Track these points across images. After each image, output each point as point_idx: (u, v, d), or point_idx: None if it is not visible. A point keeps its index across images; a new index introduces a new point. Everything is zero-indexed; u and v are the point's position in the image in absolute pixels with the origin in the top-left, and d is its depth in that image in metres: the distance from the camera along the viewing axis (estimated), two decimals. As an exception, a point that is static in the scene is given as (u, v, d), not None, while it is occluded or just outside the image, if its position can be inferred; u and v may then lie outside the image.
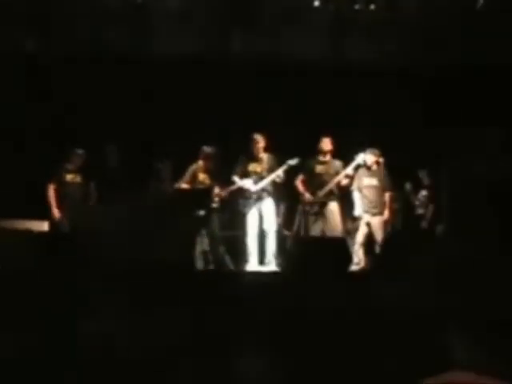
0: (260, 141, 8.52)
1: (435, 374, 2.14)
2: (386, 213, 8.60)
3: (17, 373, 2.61)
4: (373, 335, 2.68)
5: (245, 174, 8.55)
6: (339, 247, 7.30)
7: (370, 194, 8.62)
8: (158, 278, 5.29)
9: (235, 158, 8.70)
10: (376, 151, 8.63)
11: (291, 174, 8.62)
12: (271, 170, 8.48)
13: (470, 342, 2.48)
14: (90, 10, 8.69)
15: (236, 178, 8.55)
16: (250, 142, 8.52)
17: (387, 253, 7.00)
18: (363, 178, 8.67)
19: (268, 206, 8.54)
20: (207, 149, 8.47)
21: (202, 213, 8.19)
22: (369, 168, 8.65)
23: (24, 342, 3.16)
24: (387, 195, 8.64)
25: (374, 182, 8.65)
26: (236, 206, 8.64)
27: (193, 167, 8.54)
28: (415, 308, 2.88)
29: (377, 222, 8.56)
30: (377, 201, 8.62)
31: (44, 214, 8.23)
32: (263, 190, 8.51)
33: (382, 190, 8.65)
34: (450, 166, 9.07)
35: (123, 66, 9.25)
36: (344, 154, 8.76)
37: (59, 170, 8.57)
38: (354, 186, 8.69)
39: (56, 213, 8.42)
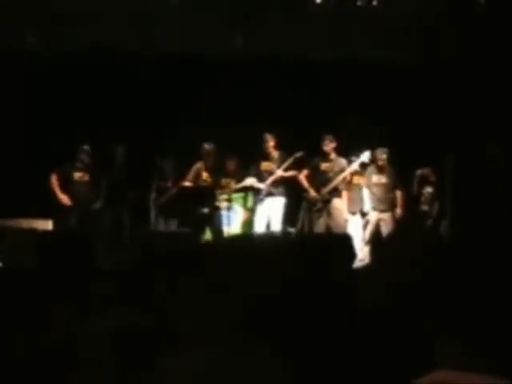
0: (270, 139, 8.64)
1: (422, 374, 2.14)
2: (399, 211, 8.70)
3: (22, 373, 2.62)
4: (368, 334, 2.68)
5: (259, 174, 8.64)
6: (344, 244, 7.30)
7: (379, 192, 8.72)
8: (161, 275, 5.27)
9: (238, 157, 8.76)
10: (385, 149, 8.71)
11: (295, 169, 8.64)
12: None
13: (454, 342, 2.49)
14: (91, 9, 8.66)
15: (249, 179, 8.56)
16: (261, 142, 8.63)
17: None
18: (372, 175, 8.76)
19: (277, 206, 8.58)
20: (207, 146, 8.46)
21: (205, 210, 8.20)
22: (378, 166, 8.75)
23: (28, 343, 3.17)
24: (399, 193, 8.75)
25: (382, 179, 8.75)
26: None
27: (197, 166, 8.54)
28: (404, 307, 2.89)
29: (385, 218, 8.62)
30: (385, 198, 8.70)
31: (48, 213, 8.22)
32: (275, 187, 8.53)
33: (390, 187, 8.70)
34: (455, 162, 9.08)
35: (124, 64, 9.24)
36: (347, 151, 8.78)
37: (65, 165, 8.53)
38: (363, 183, 8.75)
39: (63, 199, 8.35)
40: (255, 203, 8.72)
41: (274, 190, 8.60)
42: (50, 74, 9.21)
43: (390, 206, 8.75)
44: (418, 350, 2.53)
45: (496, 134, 8.89)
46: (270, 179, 8.56)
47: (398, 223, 8.71)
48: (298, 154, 8.53)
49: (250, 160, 8.79)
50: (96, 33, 8.89)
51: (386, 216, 8.70)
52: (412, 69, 9.08)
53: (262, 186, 8.59)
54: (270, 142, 8.65)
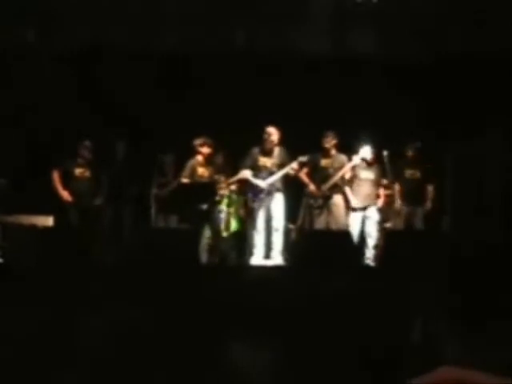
0: (273, 133, 8.31)
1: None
2: (429, 204, 8.68)
3: (15, 369, 2.63)
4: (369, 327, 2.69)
5: (254, 168, 8.38)
6: (344, 240, 7.32)
7: (410, 186, 8.70)
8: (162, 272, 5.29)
9: (239, 153, 8.67)
10: (419, 144, 8.70)
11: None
12: (282, 164, 8.30)
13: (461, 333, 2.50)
14: (91, 8, 8.68)
15: (245, 172, 8.39)
16: (263, 135, 8.32)
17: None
18: (406, 170, 8.75)
19: (277, 203, 8.42)
20: (199, 140, 8.36)
21: (205, 207, 8.16)
22: (410, 160, 8.74)
23: (25, 338, 3.18)
24: (430, 187, 8.73)
25: (417, 174, 8.73)
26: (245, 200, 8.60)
27: (191, 161, 8.46)
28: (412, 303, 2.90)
29: (417, 213, 8.69)
30: (417, 193, 8.68)
31: (49, 209, 8.23)
32: (273, 185, 8.39)
33: (423, 181, 8.73)
34: (455, 157, 9.10)
35: (125, 61, 9.24)
36: (348, 147, 8.75)
37: (66, 161, 8.54)
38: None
39: (64, 195, 8.36)
40: (249, 201, 8.51)
41: (271, 187, 8.43)
42: (50, 72, 9.20)
43: (421, 200, 8.72)
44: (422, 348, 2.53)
45: (497, 132, 8.90)
46: (271, 180, 8.37)
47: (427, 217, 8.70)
48: (303, 158, 8.26)
49: (240, 153, 8.53)
50: (96, 32, 8.89)
51: (418, 210, 8.68)
52: (413, 67, 9.07)
53: (260, 183, 8.40)
54: (273, 136, 8.29)
